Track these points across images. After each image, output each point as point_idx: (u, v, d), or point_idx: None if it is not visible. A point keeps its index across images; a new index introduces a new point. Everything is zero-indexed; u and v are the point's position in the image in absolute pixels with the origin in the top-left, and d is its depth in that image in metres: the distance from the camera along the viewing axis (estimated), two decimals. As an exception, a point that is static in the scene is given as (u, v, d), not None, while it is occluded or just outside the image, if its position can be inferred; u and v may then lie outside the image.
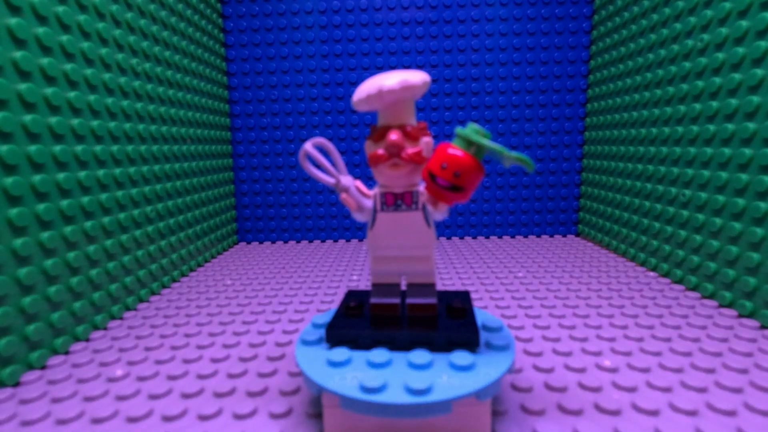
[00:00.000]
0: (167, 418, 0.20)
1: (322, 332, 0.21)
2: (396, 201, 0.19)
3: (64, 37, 0.28)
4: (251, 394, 0.22)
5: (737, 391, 0.21)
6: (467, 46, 0.55)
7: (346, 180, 0.20)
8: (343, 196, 0.20)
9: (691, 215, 0.36)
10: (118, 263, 0.33)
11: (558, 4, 0.54)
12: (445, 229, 0.59)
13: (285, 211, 0.59)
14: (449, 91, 0.56)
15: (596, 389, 0.22)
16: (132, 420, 0.20)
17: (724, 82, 0.32)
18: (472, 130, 0.18)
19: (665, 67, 0.40)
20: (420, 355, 0.18)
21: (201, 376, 0.24)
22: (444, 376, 0.17)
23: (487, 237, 0.59)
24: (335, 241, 0.59)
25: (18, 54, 0.25)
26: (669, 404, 0.20)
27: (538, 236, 0.58)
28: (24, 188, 0.25)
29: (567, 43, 0.54)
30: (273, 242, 0.59)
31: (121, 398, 0.22)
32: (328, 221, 0.59)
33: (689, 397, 0.21)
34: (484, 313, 0.23)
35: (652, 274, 0.40)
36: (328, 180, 0.20)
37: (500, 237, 0.59)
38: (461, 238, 0.59)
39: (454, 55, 0.55)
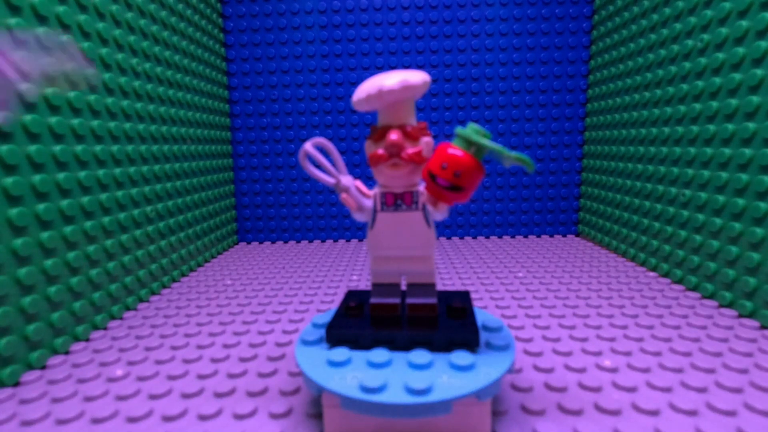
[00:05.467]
0: (167, 418, 0.20)
1: (322, 332, 0.21)
2: (396, 201, 0.19)
3: (64, 38, 0.28)
4: (251, 394, 0.22)
5: (737, 391, 0.21)
6: (467, 46, 0.55)
7: (346, 180, 0.20)
8: (343, 196, 0.20)
9: (691, 215, 0.36)
10: (118, 263, 0.33)
11: (558, 4, 0.54)
12: (445, 229, 0.59)
13: (285, 211, 0.59)
14: (449, 91, 0.56)
15: (596, 389, 0.22)
16: (132, 420, 0.20)
17: (724, 82, 0.32)
18: (472, 130, 0.18)
19: (665, 67, 0.40)
20: (420, 355, 0.18)
21: (201, 376, 0.24)
22: (444, 376, 0.17)
23: (487, 237, 0.59)
24: (335, 241, 0.59)
25: (18, 54, 0.25)
26: (669, 404, 0.20)
27: (538, 236, 0.58)
28: (24, 188, 0.25)
29: (567, 43, 0.54)
30: (273, 242, 0.59)
31: (121, 398, 0.22)
32: (328, 221, 0.59)
33: (689, 397, 0.21)
34: (484, 313, 0.23)
35: (652, 274, 0.40)
36: (328, 180, 0.20)
37: (500, 237, 0.59)
38: (461, 238, 0.59)
39: (454, 55, 0.55)
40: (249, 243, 0.60)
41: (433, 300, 0.20)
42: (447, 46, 0.55)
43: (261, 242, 0.60)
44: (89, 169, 0.30)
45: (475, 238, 0.59)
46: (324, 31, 0.55)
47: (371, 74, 0.21)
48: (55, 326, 0.27)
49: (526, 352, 0.25)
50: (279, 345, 0.27)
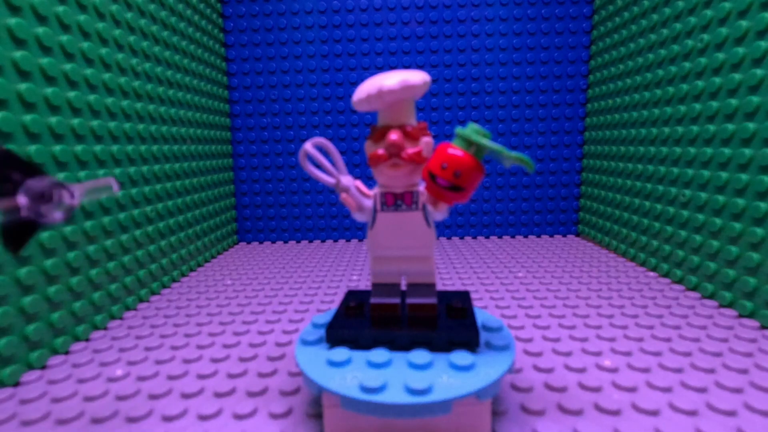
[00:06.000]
0: (167, 418, 0.20)
1: (322, 332, 0.21)
2: (396, 201, 0.19)
3: (64, 37, 0.28)
4: (251, 394, 0.22)
5: (737, 391, 0.21)
6: (467, 46, 0.55)
7: (346, 180, 0.20)
8: (343, 196, 0.20)
9: (691, 215, 0.36)
10: (118, 263, 0.33)
11: (558, 4, 0.54)
12: (445, 229, 0.59)
13: (285, 211, 0.59)
14: (449, 91, 0.56)
15: (596, 389, 0.22)
16: (132, 420, 0.20)
17: (724, 82, 0.32)
18: (472, 130, 0.18)
19: (665, 67, 0.40)
20: (420, 355, 0.18)
21: (201, 376, 0.24)
22: (444, 376, 0.17)
23: (487, 237, 0.59)
24: (335, 241, 0.59)
25: (18, 54, 0.25)
26: (669, 404, 0.20)
27: (538, 236, 0.58)
28: (24, 188, 0.25)
29: (567, 43, 0.54)
30: (273, 242, 0.59)
31: (121, 398, 0.22)
32: (328, 221, 0.59)
33: (689, 397, 0.21)
34: (484, 313, 0.23)
35: (652, 274, 0.40)
36: (328, 180, 0.20)
37: (500, 237, 0.59)
38: (461, 238, 0.59)
39: (454, 55, 0.55)
40: (249, 243, 0.60)
41: (433, 300, 0.20)
42: (447, 46, 0.55)
43: (261, 242, 0.60)
44: (89, 169, 0.30)
45: (475, 238, 0.59)
46: (324, 31, 0.55)
47: (371, 74, 0.21)
48: (55, 326, 0.27)
49: (526, 352, 0.25)
50: (279, 345, 0.27)
